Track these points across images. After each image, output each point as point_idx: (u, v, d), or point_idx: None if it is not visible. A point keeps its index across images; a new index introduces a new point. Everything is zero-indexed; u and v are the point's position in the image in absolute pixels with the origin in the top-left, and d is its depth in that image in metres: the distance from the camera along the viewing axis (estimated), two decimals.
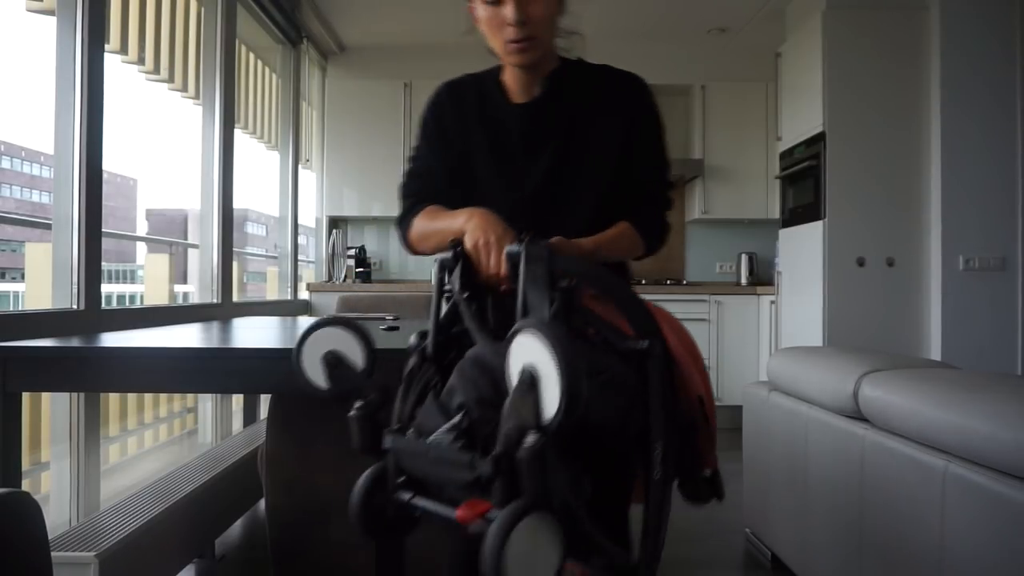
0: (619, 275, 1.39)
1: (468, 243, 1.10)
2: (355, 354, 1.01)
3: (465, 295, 1.06)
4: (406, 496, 0.91)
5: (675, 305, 4.45)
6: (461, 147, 1.40)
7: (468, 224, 1.12)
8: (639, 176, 1.35)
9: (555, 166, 1.32)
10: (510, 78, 1.39)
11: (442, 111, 1.46)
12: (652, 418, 0.95)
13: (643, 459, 0.96)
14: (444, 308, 1.08)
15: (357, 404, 0.96)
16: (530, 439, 0.75)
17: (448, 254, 1.09)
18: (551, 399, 0.74)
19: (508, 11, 1.23)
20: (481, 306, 1.08)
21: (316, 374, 1.02)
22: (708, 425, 1.10)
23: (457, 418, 0.89)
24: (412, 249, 1.39)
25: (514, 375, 0.78)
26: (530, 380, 0.76)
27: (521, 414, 0.76)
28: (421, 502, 0.89)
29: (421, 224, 1.34)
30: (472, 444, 0.85)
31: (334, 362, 1.00)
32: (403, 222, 1.40)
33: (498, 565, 0.71)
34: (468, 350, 1.05)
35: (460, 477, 0.82)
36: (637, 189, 1.34)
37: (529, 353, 0.76)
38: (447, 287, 1.09)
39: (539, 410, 0.75)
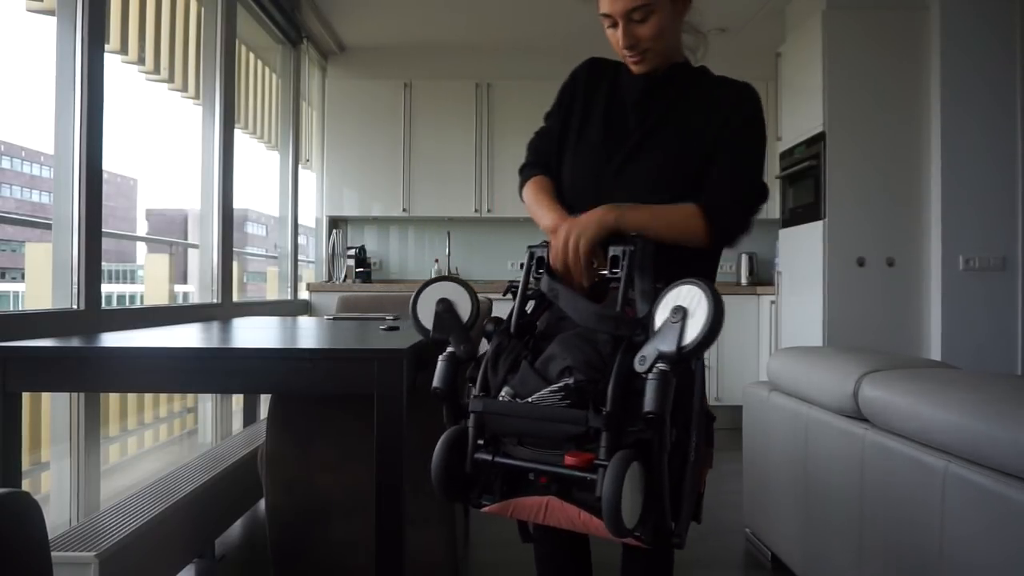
0: (701, 268, 1.38)
1: (553, 261, 1.23)
2: (464, 309, 1.18)
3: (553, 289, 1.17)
4: (487, 456, 1.05)
5: None
6: (582, 115, 1.46)
7: (554, 236, 1.25)
8: (720, 168, 1.33)
9: (639, 144, 1.36)
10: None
11: (576, 81, 1.52)
12: (694, 410, 1.04)
13: (683, 445, 1.05)
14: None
15: (448, 350, 1.12)
16: (661, 364, 0.94)
17: (542, 252, 1.24)
18: (695, 326, 0.96)
19: (620, 35, 1.33)
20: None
21: (427, 318, 1.18)
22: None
23: (568, 379, 1.01)
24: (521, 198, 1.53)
25: (660, 318, 0.98)
26: (684, 312, 0.97)
27: (666, 339, 0.96)
28: (506, 460, 1.03)
29: (528, 196, 1.47)
30: (581, 401, 0.98)
31: (442, 309, 1.17)
32: (522, 173, 1.54)
33: (617, 499, 0.89)
34: (540, 334, 1.18)
35: (567, 430, 0.98)
36: (715, 179, 1.33)
37: (681, 298, 0.98)
38: (536, 276, 1.23)
39: (683, 335, 0.96)
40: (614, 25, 1.33)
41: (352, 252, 5.08)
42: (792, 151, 4.06)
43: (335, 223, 5.29)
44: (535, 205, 1.43)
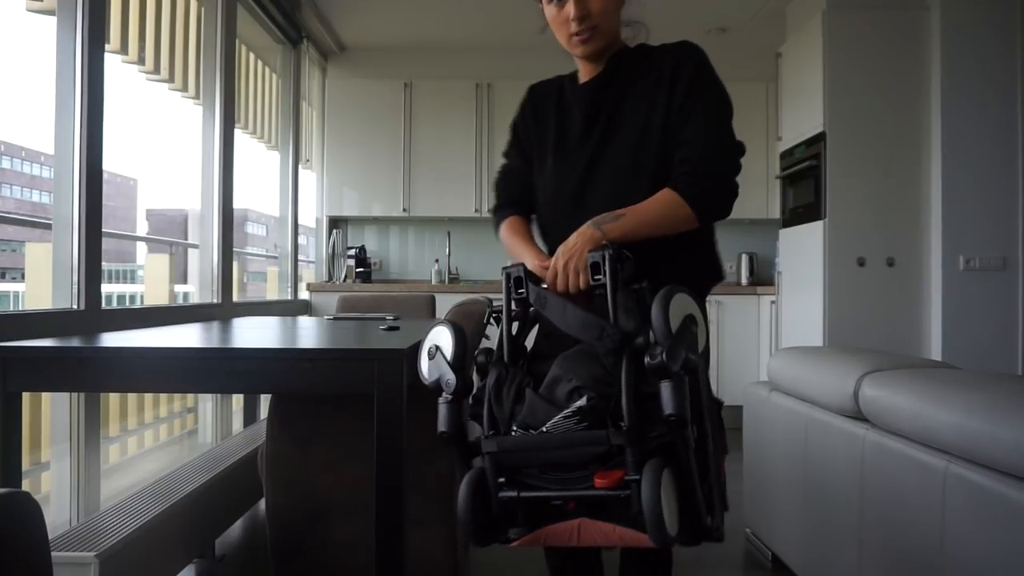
0: (701, 270, 1.40)
1: (549, 279, 1.24)
2: (448, 347, 1.15)
3: (544, 302, 1.16)
4: (512, 492, 1.03)
5: None
6: (538, 142, 1.47)
7: (548, 271, 1.25)
8: (682, 139, 1.31)
9: (602, 140, 1.36)
10: (581, 71, 1.47)
11: (523, 112, 1.54)
12: (703, 398, 1.05)
13: (701, 439, 1.04)
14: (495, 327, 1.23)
15: (445, 394, 1.10)
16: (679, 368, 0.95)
17: (519, 268, 1.22)
18: (701, 333, 1.03)
19: (569, 7, 1.33)
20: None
21: (424, 366, 1.17)
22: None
23: (580, 400, 1.00)
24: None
25: (675, 323, 0.99)
26: (695, 320, 1.01)
27: (686, 343, 0.97)
28: (532, 494, 1.02)
29: (505, 238, 1.48)
30: (598, 421, 0.98)
31: (432, 353, 1.15)
32: (495, 214, 1.54)
33: (658, 509, 0.90)
34: (531, 356, 1.18)
35: (590, 452, 0.97)
36: (684, 155, 1.30)
37: (685, 307, 1.01)
38: (516, 297, 1.21)
39: (699, 341, 1.01)
40: (561, 1, 1.34)
41: (352, 252, 5.08)
42: (792, 151, 4.06)
43: (335, 223, 5.29)
44: (514, 248, 1.43)
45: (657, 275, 1.13)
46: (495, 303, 1.24)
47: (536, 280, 1.22)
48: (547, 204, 1.45)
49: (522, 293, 1.20)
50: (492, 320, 1.22)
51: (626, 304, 1.06)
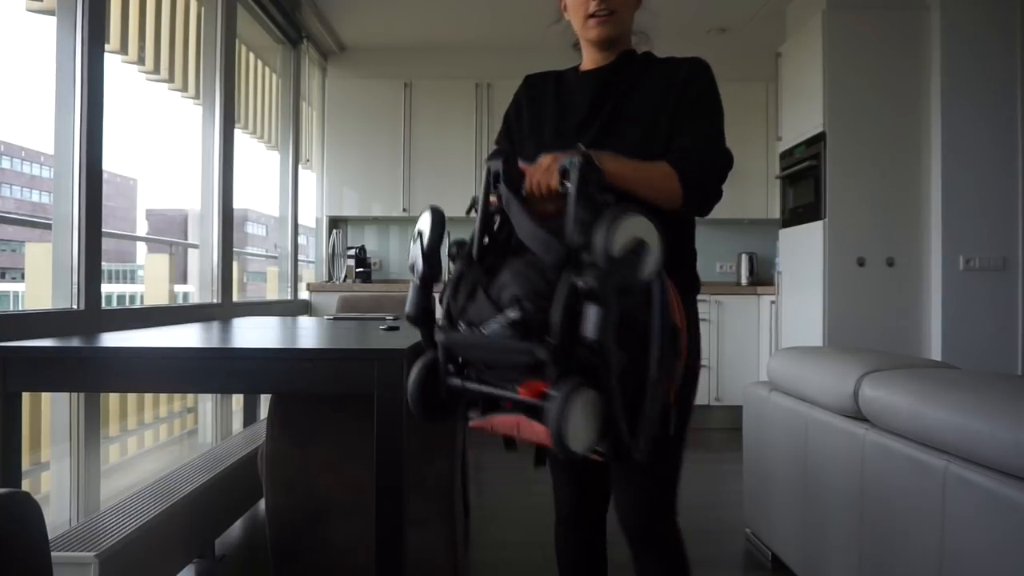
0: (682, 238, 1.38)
1: (528, 183, 1.20)
2: (427, 234, 1.20)
3: (516, 197, 1.15)
4: (457, 381, 1.10)
5: None
6: (532, 130, 1.46)
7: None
8: (685, 138, 1.32)
9: (604, 131, 1.35)
10: (587, 60, 1.46)
11: (518, 101, 1.53)
12: (653, 324, 1.05)
13: (639, 364, 1.05)
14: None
15: (414, 278, 1.16)
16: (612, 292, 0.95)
17: (498, 162, 1.18)
18: (652, 262, 1.01)
19: None
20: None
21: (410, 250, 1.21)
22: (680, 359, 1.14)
23: (513, 312, 1.02)
24: None
25: (620, 245, 0.97)
26: (645, 246, 1.00)
27: (625, 267, 0.97)
28: (473, 386, 1.08)
29: None
30: (527, 333, 0.99)
31: (414, 237, 1.20)
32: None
33: (562, 427, 0.92)
34: (508, 254, 1.16)
35: (519, 361, 1.00)
36: (684, 146, 1.31)
37: (639, 229, 0.99)
38: (493, 196, 1.20)
39: (643, 268, 0.99)
40: None
41: (352, 252, 5.08)
42: (792, 151, 4.06)
43: (335, 223, 5.29)
44: None
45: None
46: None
47: (516, 180, 1.18)
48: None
49: (496, 196, 1.20)
50: (473, 211, 1.23)
51: (582, 217, 1.03)
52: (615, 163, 1.22)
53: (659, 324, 1.06)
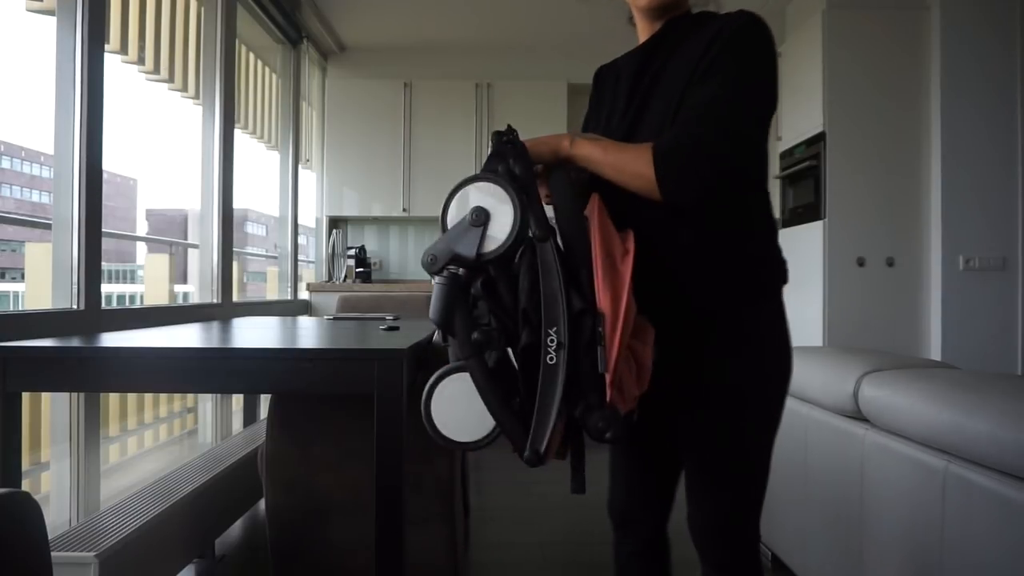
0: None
1: None
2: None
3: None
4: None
5: None
6: (598, 127, 1.32)
7: None
8: (687, 104, 1.08)
9: (637, 116, 1.19)
10: (640, 33, 1.27)
11: (590, 100, 1.41)
12: (544, 302, 0.94)
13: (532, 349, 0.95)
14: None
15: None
16: (452, 267, 0.93)
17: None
18: (500, 231, 0.94)
19: None
20: None
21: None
22: (605, 348, 0.96)
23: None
24: None
25: (454, 215, 0.94)
26: (486, 215, 0.94)
27: (462, 241, 0.93)
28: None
29: None
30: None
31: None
32: None
33: (425, 409, 0.95)
34: None
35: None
36: (680, 117, 1.08)
37: (483, 196, 0.94)
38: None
39: (483, 241, 0.93)
40: None
41: (352, 252, 5.08)
42: (792, 151, 4.06)
43: (335, 223, 5.29)
44: None
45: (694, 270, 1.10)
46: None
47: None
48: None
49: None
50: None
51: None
52: (586, 146, 1.10)
53: (555, 301, 0.93)
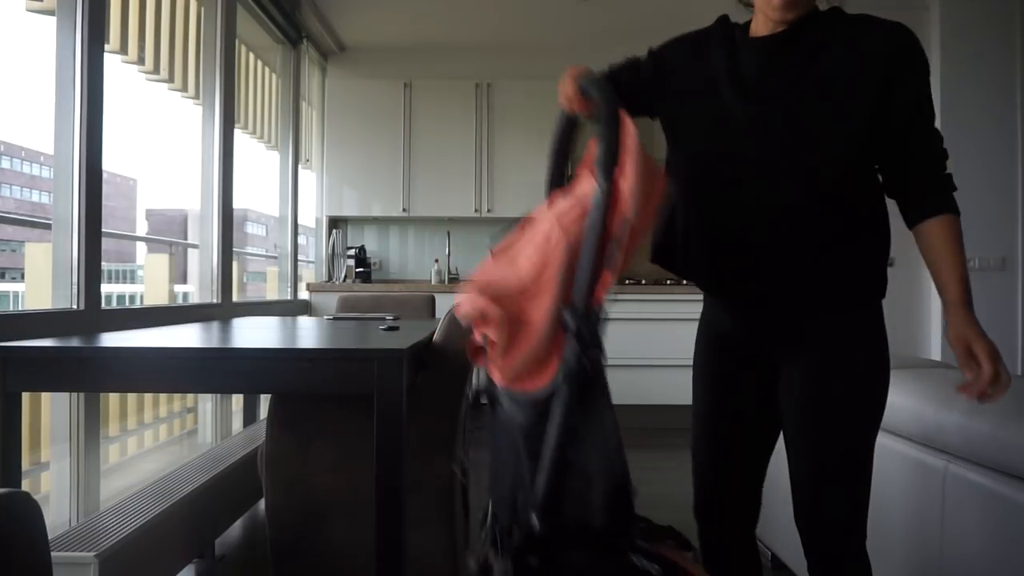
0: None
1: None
2: None
3: None
4: None
5: (675, 305, 4.45)
6: (695, 77, 1.31)
7: None
8: (918, 141, 1.23)
9: (792, 105, 1.18)
10: (759, 21, 1.27)
11: (681, 47, 1.37)
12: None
13: None
14: None
15: None
16: None
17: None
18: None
19: None
20: None
21: None
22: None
23: None
24: None
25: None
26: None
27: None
28: None
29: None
30: None
31: None
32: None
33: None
34: None
35: None
36: (919, 155, 1.25)
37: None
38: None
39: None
40: None
41: (352, 252, 5.08)
42: None
43: (335, 223, 5.29)
44: None
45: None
46: None
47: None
48: (693, 158, 1.29)
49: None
50: None
51: None
52: (954, 276, 1.21)
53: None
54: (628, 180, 1.00)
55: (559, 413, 0.95)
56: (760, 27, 1.26)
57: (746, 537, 1.39)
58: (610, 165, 1.01)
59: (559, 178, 1.26)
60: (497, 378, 0.99)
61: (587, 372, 0.95)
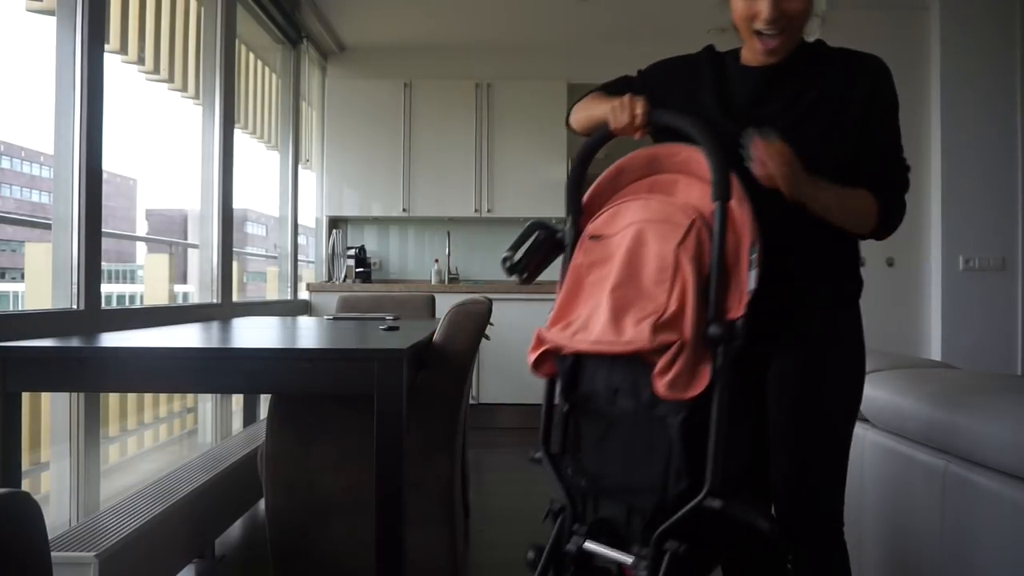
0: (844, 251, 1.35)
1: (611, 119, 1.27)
2: None
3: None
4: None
5: None
6: (686, 98, 1.36)
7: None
8: (878, 160, 1.33)
9: (781, 130, 1.23)
10: (748, 51, 1.35)
11: (668, 68, 1.44)
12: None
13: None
14: None
15: None
16: None
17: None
18: None
19: (762, 6, 1.23)
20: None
21: None
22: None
23: None
24: (569, 126, 1.51)
25: None
26: None
27: None
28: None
29: (580, 106, 1.46)
30: None
31: None
32: (575, 105, 1.49)
33: None
34: None
35: None
36: (876, 172, 1.32)
37: None
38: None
39: None
40: None
41: (352, 252, 5.08)
42: None
43: (335, 223, 5.29)
44: (588, 108, 1.40)
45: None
46: None
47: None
48: None
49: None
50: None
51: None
52: (827, 195, 1.24)
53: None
54: (743, 206, 1.16)
55: (718, 407, 1.10)
56: (750, 58, 1.35)
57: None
58: (725, 189, 1.14)
59: (578, 186, 1.34)
60: (661, 392, 1.10)
61: (736, 373, 1.13)
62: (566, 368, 1.22)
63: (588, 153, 1.34)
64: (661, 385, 1.10)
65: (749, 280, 1.13)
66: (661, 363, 1.09)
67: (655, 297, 1.14)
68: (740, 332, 1.12)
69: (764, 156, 1.17)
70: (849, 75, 1.32)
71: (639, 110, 1.25)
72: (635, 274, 1.17)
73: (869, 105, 1.31)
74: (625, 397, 1.16)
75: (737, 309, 1.13)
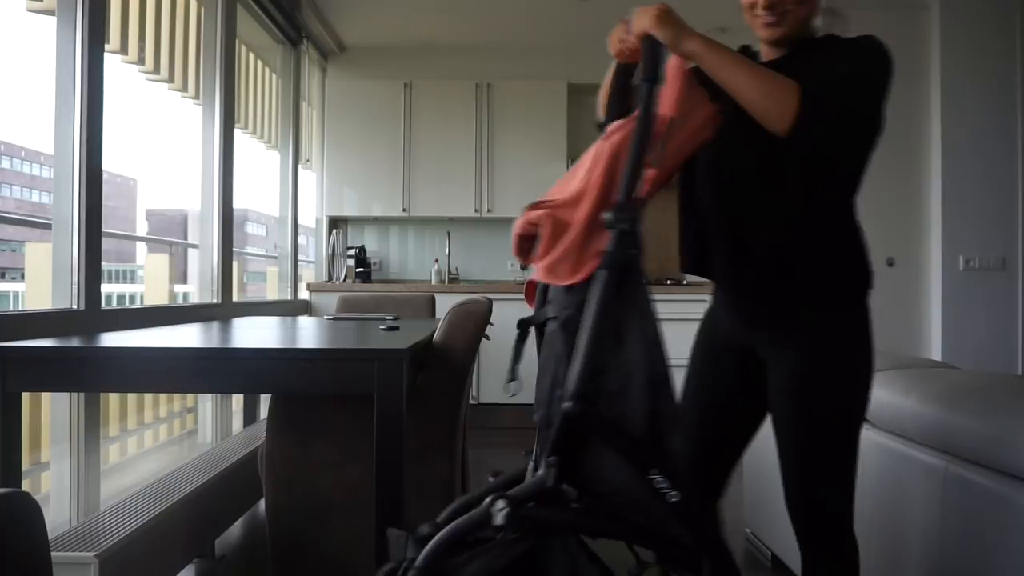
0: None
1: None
2: None
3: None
4: None
5: (675, 305, 4.44)
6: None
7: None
8: (817, 79, 1.21)
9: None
10: (763, 53, 1.41)
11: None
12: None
13: None
14: None
15: None
16: None
17: None
18: None
19: None
20: None
21: None
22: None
23: None
24: (598, 118, 1.47)
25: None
26: None
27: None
28: None
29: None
30: None
31: None
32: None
33: None
34: None
35: None
36: (814, 82, 1.21)
37: None
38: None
39: None
40: None
41: (352, 252, 5.08)
42: None
43: (335, 223, 5.29)
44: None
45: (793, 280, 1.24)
46: None
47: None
48: (701, 182, 1.37)
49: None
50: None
51: None
52: (699, 43, 1.18)
53: None
54: (671, 87, 1.08)
55: (596, 294, 1.00)
56: (765, 52, 1.41)
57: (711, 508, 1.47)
58: (652, 78, 1.08)
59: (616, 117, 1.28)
60: (540, 274, 1.05)
61: (626, 262, 1.02)
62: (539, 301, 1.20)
63: (614, 84, 1.35)
64: (541, 268, 1.05)
65: (652, 157, 1.05)
66: (541, 246, 1.05)
67: (569, 189, 1.12)
68: (630, 216, 1.01)
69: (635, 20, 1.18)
70: (832, 54, 1.32)
71: (629, 32, 1.27)
72: (569, 179, 1.17)
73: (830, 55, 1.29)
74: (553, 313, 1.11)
75: (640, 191, 1.04)
